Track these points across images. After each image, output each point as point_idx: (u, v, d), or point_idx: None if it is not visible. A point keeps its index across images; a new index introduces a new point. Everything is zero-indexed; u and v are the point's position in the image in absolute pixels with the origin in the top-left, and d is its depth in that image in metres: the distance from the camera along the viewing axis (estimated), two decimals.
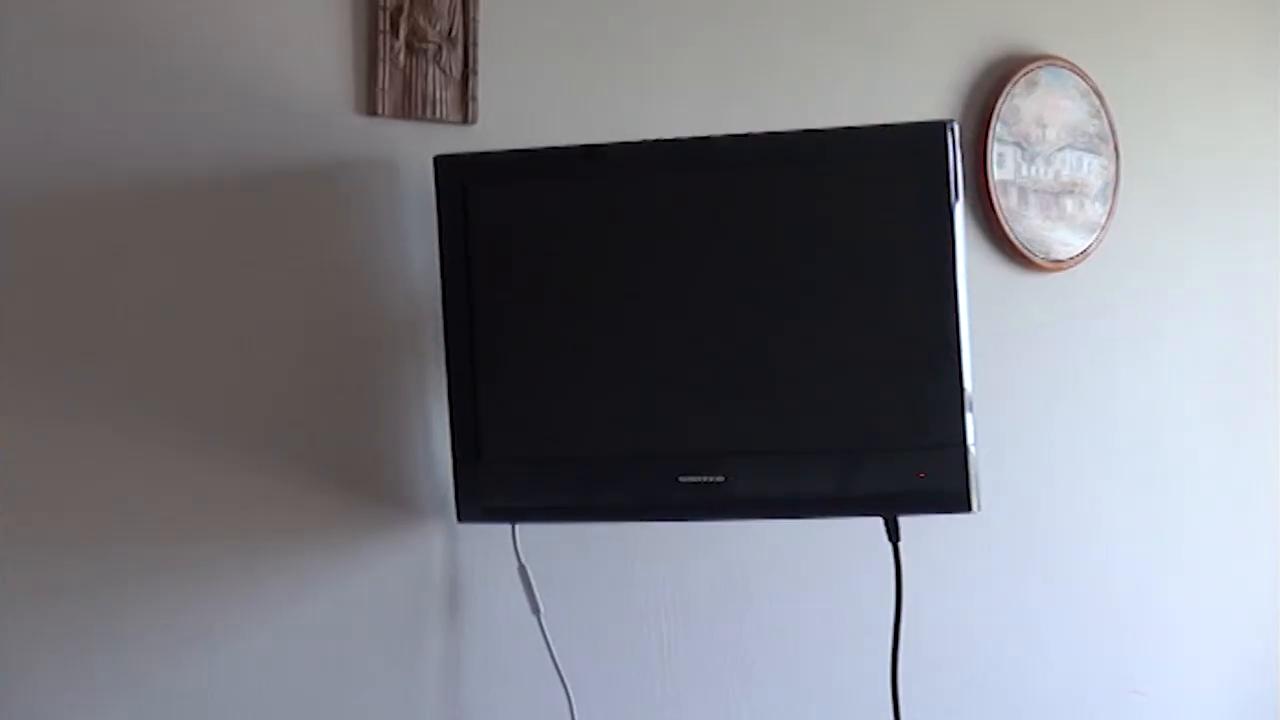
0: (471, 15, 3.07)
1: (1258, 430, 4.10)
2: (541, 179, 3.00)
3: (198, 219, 2.88)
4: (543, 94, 3.19)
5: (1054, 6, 3.75)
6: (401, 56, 3.01)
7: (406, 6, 3.01)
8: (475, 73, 3.06)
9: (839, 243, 2.87)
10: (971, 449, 2.74)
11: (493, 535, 3.07)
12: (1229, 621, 4.08)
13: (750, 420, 2.89)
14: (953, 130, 2.74)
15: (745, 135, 2.93)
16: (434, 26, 3.05)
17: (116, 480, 2.83)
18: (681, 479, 2.87)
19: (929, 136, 2.78)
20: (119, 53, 2.85)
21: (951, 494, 2.74)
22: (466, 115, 3.06)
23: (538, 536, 3.09)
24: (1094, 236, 3.68)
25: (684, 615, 3.36)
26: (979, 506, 2.74)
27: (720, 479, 2.86)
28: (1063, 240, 3.63)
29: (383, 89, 2.99)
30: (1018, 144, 3.59)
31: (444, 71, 3.07)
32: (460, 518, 2.98)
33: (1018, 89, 3.58)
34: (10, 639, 2.78)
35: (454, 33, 3.07)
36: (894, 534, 2.93)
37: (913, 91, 3.53)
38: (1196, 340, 3.99)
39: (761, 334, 2.89)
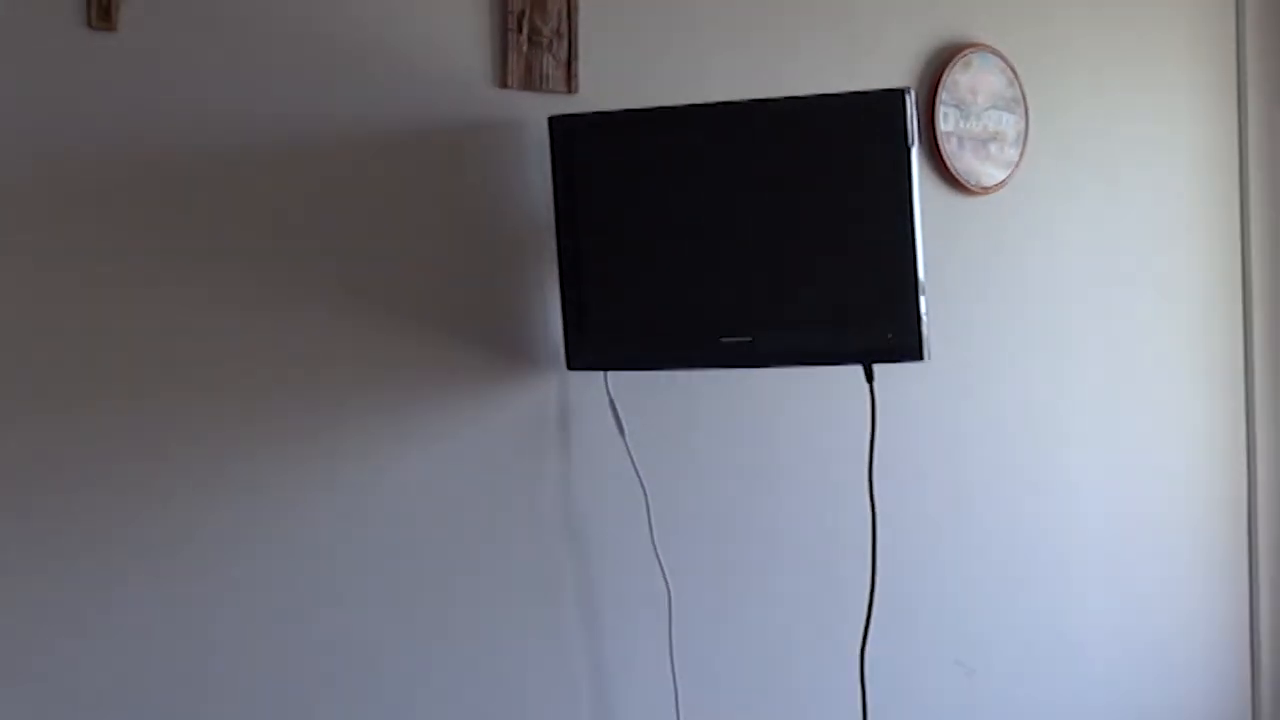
0: (573, 18, 3.24)
1: (1130, 300, 4.20)
2: (621, 132, 3.16)
3: (383, 162, 3.08)
4: (621, 72, 3.32)
5: (982, 7, 3.85)
6: (525, 46, 3.18)
7: (528, 11, 3.18)
8: (576, 57, 3.24)
9: (831, 176, 3.04)
10: (924, 317, 2.95)
11: (591, 380, 3.27)
12: (1109, 439, 4.17)
13: (770, 300, 3.08)
14: (909, 96, 2.93)
15: (760, 100, 3.09)
16: (546, 25, 3.21)
17: (335, 347, 3.04)
18: (723, 340, 3.08)
19: (893, 100, 2.94)
20: (330, 43, 3.02)
21: (910, 348, 2.96)
22: (570, 87, 3.23)
23: (623, 380, 3.30)
24: (1009, 171, 3.80)
25: (722, 434, 3.47)
26: (929, 357, 2.98)
27: (749, 339, 3.07)
28: (988, 173, 3.76)
29: (511, 69, 3.15)
30: (957, 106, 3.71)
31: (554, 57, 3.22)
32: (569, 367, 3.18)
33: (957, 68, 3.71)
34: (250, 444, 2.97)
35: (560, 30, 3.23)
36: (870, 376, 3.16)
37: (883, 69, 3.66)
38: (1083, 241, 4.09)
39: (777, 242, 3.06)
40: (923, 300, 2.94)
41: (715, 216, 3.11)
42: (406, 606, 3.10)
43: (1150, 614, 4.14)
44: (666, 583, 3.32)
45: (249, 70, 2.92)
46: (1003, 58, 3.77)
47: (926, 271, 2.96)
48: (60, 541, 2.80)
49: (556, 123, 3.09)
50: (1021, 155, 3.82)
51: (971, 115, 3.73)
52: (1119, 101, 4.04)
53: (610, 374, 3.25)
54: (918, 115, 3.55)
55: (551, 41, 3.24)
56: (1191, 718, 4.19)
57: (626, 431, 3.26)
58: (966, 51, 3.71)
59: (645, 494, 3.28)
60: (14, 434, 2.74)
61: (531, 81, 3.18)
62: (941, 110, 3.64)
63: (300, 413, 3.00)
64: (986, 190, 3.75)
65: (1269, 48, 4.30)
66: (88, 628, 2.81)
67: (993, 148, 3.76)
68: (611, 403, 3.25)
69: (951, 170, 3.66)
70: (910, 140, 2.92)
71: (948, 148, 3.66)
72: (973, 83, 3.73)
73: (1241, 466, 4.25)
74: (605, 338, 3.18)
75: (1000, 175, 3.77)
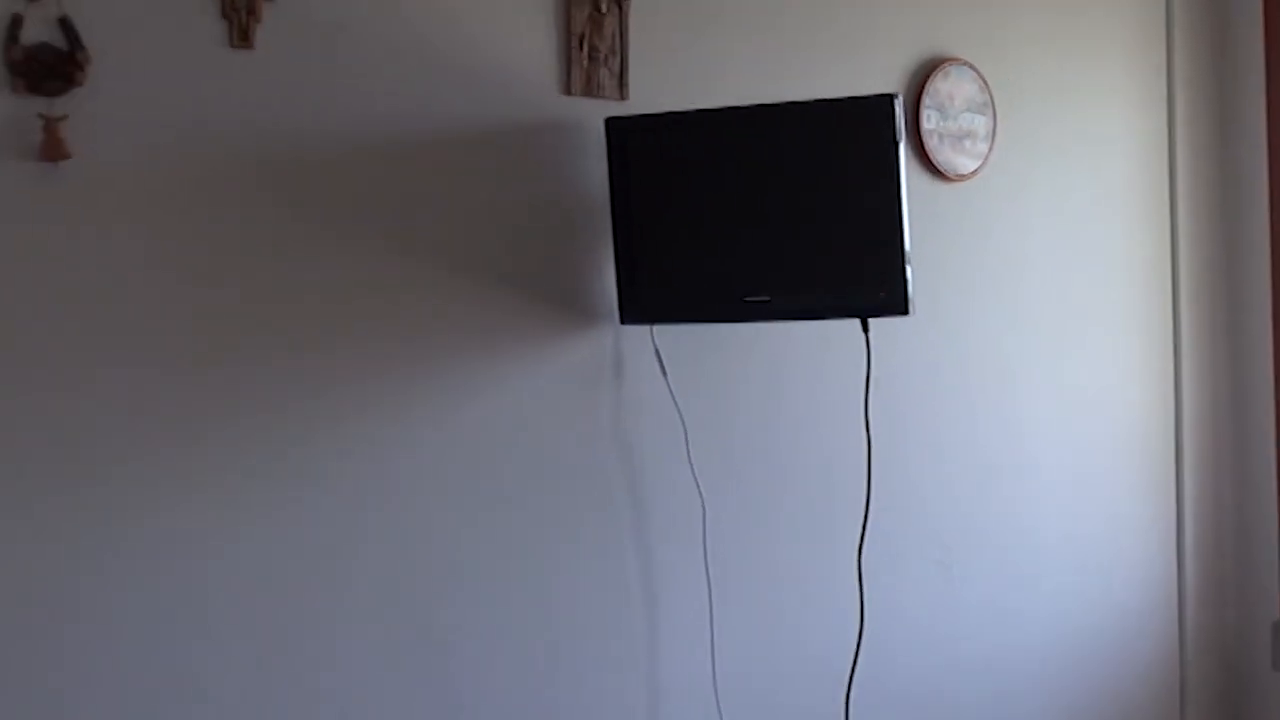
0: (624, 38, 3.26)
1: (1078, 265, 4.17)
2: (664, 130, 3.16)
3: (474, 155, 3.11)
4: (663, 81, 3.33)
5: (959, 28, 3.86)
6: (585, 62, 3.21)
7: (587, 33, 3.21)
8: (626, 70, 3.26)
9: (834, 165, 3.05)
10: (909, 280, 2.99)
11: (640, 332, 3.30)
12: (1058, 378, 4.14)
13: (784, 267, 3.10)
14: (898, 100, 2.96)
15: (776, 103, 3.13)
16: (603, 44, 3.24)
17: (441, 306, 3.07)
18: (746, 299, 3.12)
19: (884, 103, 2.98)
20: (432, 59, 3.05)
21: (898, 305, 3.00)
22: (622, 94, 3.26)
23: (665, 333, 3.32)
24: (980, 162, 3.83)
25: (747, 376, 3.49)
26: (913, 312, 3.02)
27: (767, 299, 3.10)
28: (963, 164, 3.80)
29: (574, 80, 3.19)
30: (937, 109, 3.75)
31: (609, 70, 3.25)
32: (622, 322, 3.24)
33: (938, 77, 3.75)
34: (386, 383, 3.02)
35: (614, 48, 3.26)
36: (866, 328, 3.21)
37: (877, 79, 3.67)
38: (1040, 217, 4.08)
39: (790, 218, 3.08)
40: (909, 267, 2.98)
41: (739, 198, 3.14)
42: (493, 509, 3.15)
43: (1093, 517, 4.17)
44: (701, 496, 3.35)
45: (366, 81, 2.97)
46: (975, 69, 3.83)
47: (912, 243, 3.00)
48: (264, 455, 2.90)
49: (611, 123, 3.14)
50: (990, 149, 3.86)
51: (949, 116, 3.77)
52: (1069, 104, 4.08)
53: (655, 327, 3.30)
54: (906, 116, 3.65)
55: (607, 57, 3.28)
56: (1128, 595, 4.23)
57: (668, 374, 3.31)
58: (946, 64, 3.76)
59: (684, 425, 3.32)
60: (227, 376, 2.84)
61: (591, 90, 3.23)
62: (925, 112, 3.70)
63: (421, 358, 3.07)
64: (962, 178, 3.80)
65: (1193, 59, 4.35)
66: (294, 505, 2.92)
67: (967, 143, 3.81)
68: (656, 351, 3.30)
69: (933, 161, 3.73)
70: (899, 136, 2.96)
71: (930, 143, 3.72)
72: (950, 90, 3.79)
73: (1170, 399, 4.30)
74: (651, 298, 3.22)
75: (973, 165, 3.82)
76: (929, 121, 3.72)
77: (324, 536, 2.95)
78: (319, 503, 2.94)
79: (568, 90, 3.19)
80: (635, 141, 3.16)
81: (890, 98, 2.95)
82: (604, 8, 3.26)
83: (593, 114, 3.19)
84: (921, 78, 3.73)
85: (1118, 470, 4.21)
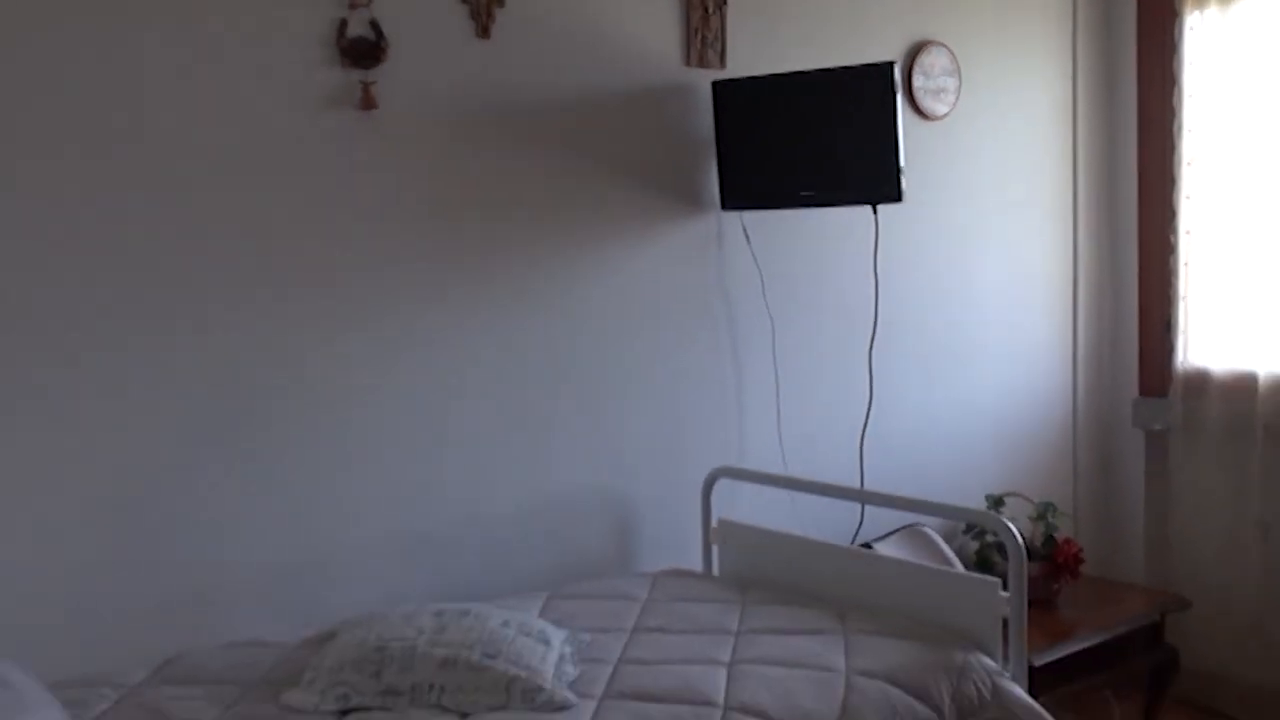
0: (724, 28, 3.21)
1: (1013, 179, 3.95)
2: (748, 87, 3.12)
3: (629, 108, 3.10)
4: (746, 56, 3.26)
5: (939, 21, 3.70)
6: (699, 45, 3.19)
7: (700, 26, 3.17)
8: (725, 49, 3.23)
9: (855, 108, 3.01)
10: (903, 181, 2.98)
11: (734, 215, 3.28)
12: (1001, 253, 3.93)
13: (824, 173, 3.07)
14: (895, 66, 2.96)
15: (818, 69, 3.06)
16: (710, 33, 3.20)
17: (603, 201, 3.06)
18: (800, 193, 3.16)
19: (887, 68, 2.96)
20: (603, 43, 3.01)
21: (895, 195, 2.99)
22: (722, 64, 3.23)
23: (750, 216, 3.30)
24: (950, 108, 3.73)
25: (801, 243, 3.43)
26: (905, 199, 3.01)
27: (814, 193, 3.13)
28: (939, 109, 3.71)
29: (693, 55, 3.17)
30: (924, 73, 3.65)
31: (714, 50, 3.23)
32: (722, 209, 3.25)
33: (923, 52, 3.66)
34: (565, 248, 3.01)
35: (717, 34, 3.21)
36: (875, 212, 3.26)
37: (886, 52, 3.49)
38: (987, 147, 3.86)
39: (827, 142, 3.06)
40: (903, 173, 3.02)
41: (795, 129, 3.14)
42: (634, 335, 3.18)
43: (1022, 331, 4.06)
44: (771, 319, 3.43)
45: (561, 59, 3.00)
46: (948, 48, 3.80)
47: (905, 158, 3.03)
48: (505, 289, 2.95)
49: (716, 84, 3.20)
50: (957, 100, 3.82)
51: (931, 78, 3.75)
52: (1008, 71, 3.99)
53: (742, 213, 3.32)
54: (902, 77, 3.62)
55: (713, 41, 3.26)
56: (1042, 380, 4.11)
57: (751, 242, 3.36)
58: (930, 45, 3.75)
59: (760, 275, 3.39)
60: (480, 242, 2.91)
61: (702, 63, 3.25)
62: (915, 75, 3.71)
63: (598, 234, 3.11)
64: (938, 118, 3.80)
65: (1090, 40, 4.24)
66: (519, 320, 2.97)
67: (941, 96, 3.79)
68: (743, 228, 3.35)
69: (920, 107, 3.74)
70: (896, 90, 3.00)
71: (918, 95, 3.73)
72: (932, 61, 3.76)
73: (1070, 253, 4.18)
74: (740, 194, 3.25)
75: (945, 110, 3.80)
76: (918, 81, 3.72)
77: (538, 338, 3.03)
78: (534, 318, 3.03)
79: (688, 63, 3.23)
80: (730, 95, 3.19)
81: (890, 64, 3.00)
82: (710, 9, 3.24)
83: (703, 79, 3.23)
84: (914, 52, 3.71)
85: (1037, 301, 4.12)
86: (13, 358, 2.33)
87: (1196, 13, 3.90)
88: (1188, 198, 3.96)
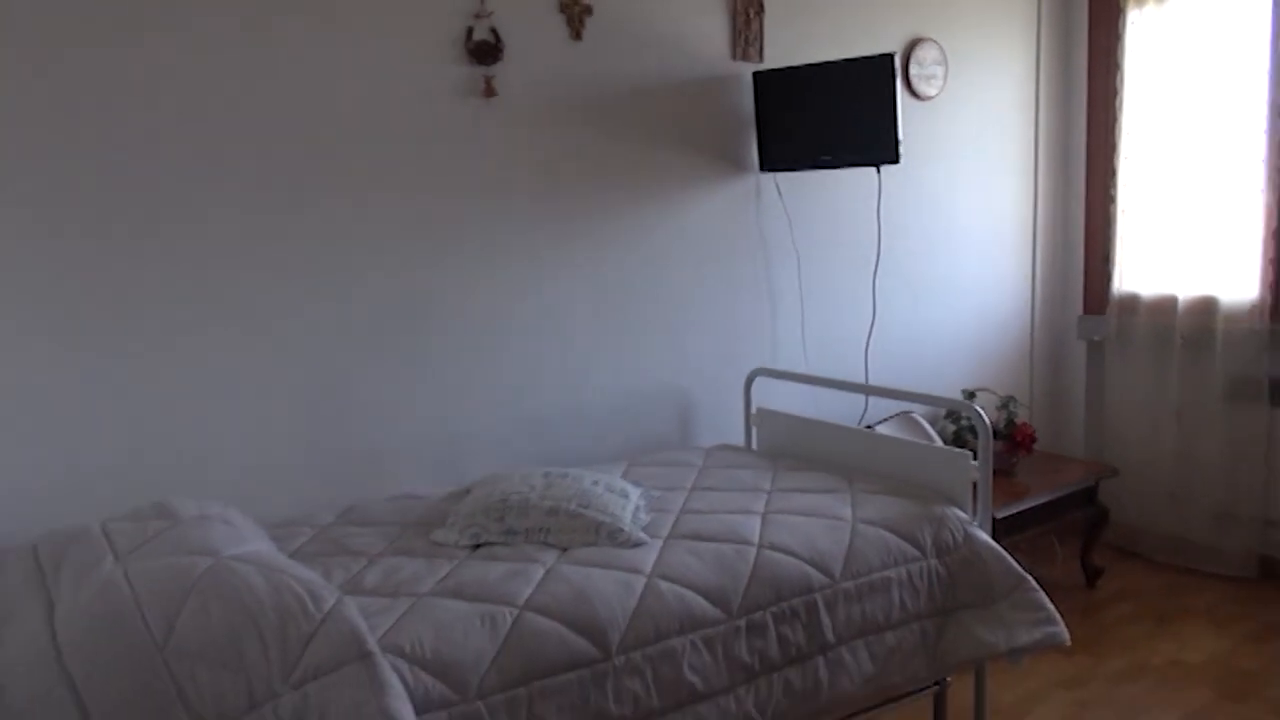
0: (762, 30, 3.12)
1: (989, 142, 3.73)
2: (782, 76, 3.01)
3: (686, 93, 2.99)
4: (779, 51, 3.16)
5: (931, 22, 3.55)
6: (742, 42, 3.09)
7: (742, 29, 3.08)
8: (763, 45, 3.13)
9: (863, 89, 2.89)
10: (900, 146, 2.87)
11: (768, 176, 3.20)
12: (981, 200, 3.78)
13: (839, 140, 2.95)
14: (894, 57, 2.84)
15: (834, 60, 2.92)
16: (751, 32, 3.10)
17: (663, 165, 2.97)
18: (820, 157, 3.01)
19: (888, 59, 2.84)
20: (667, 41, 2.94)
21: (894, 158, 2.87)
22: (761, 59, 3.13)
23: (782, 176, 3.23)
24: (939, 91, 3.58)
25: (821, 195, 3.33)
26: (901, 161, 2.91)
27: (830, 157, 2.99)
28: (930, 92, 3.57)
29: (737, 51, 3.07)
30: (918, 62, 3.50)
31: (754, 46, 3.12)
32: (761, 170, 3.16)
33: (917, 47, 3.51)
34: (637, 197, 2.94)
35: (756, 33, 3.10)
36: (879, 171, 3.26)
37: (888, 45, 3.40)
38: (967, 119, 3.68)
39: (841, 117, 2.93)
40: (900, 140, 2.92)
41: (817, 109, 3.01)
42: (692, 267, 3.11)
43: (993, 259, 3.91)
44: (797, 253, 3.34)
45: (635, 55, 2.92)
46: (938, 43, 3.65)
47: (903, 130, 3.11)
48: (600, 236, 2.88)
49: (756, 74, 3.11)
50: (944, 84, 3.67)
51: (924, 66, 3.61)
52: (984, 61, 3.81)
53: (777, 173, 3.23)
54: (901, 65, 3.51)
55: (753, 39, 3.15)
56: (1008, 300, 3.96)
57: (783, 195, 3.28)
58: (923, 40, 3.60)
59: (789, 220, 3.31)
60: (576, 200, 2.85)
61: (746, 57, 3.15)
62: (912, 64, 3.57)
63: (663, 190, 3.03)
64: (929, 99, 3.65)
65: (1051, 33, 4.13)
66: (609, 257, 2.92)
67: (932, 80, 3.65)
68: (776, 185, 3.26)
69: (915, 90, 3.60)
70: (895, 75, 2.88)
71: (914, 80, 3.59)
72: (924, 53, 3.61)
73: (1031, 196, 3.99)
74: (774, 158, 3.14)
75: (934, 92, 3.66)
76: (913, 69, 3.58)
77: (620, 271, 2.99)
78: (617, 255, 2.97)
79: (734, 58, 3.13)
80: (767, 82, 3.10)
81: (891, 56, 2.89)
82: (751, 15, 3.13)
83: (746, 70, 3.15)
84: (910, 46, 3.58)
85: (1004, 240, 3.97)
86: (236, 289, 2.37)
87: (1136, 10, 3.78)
88: (1125, 159, 3.84)
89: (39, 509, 2.13)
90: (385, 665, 1.45)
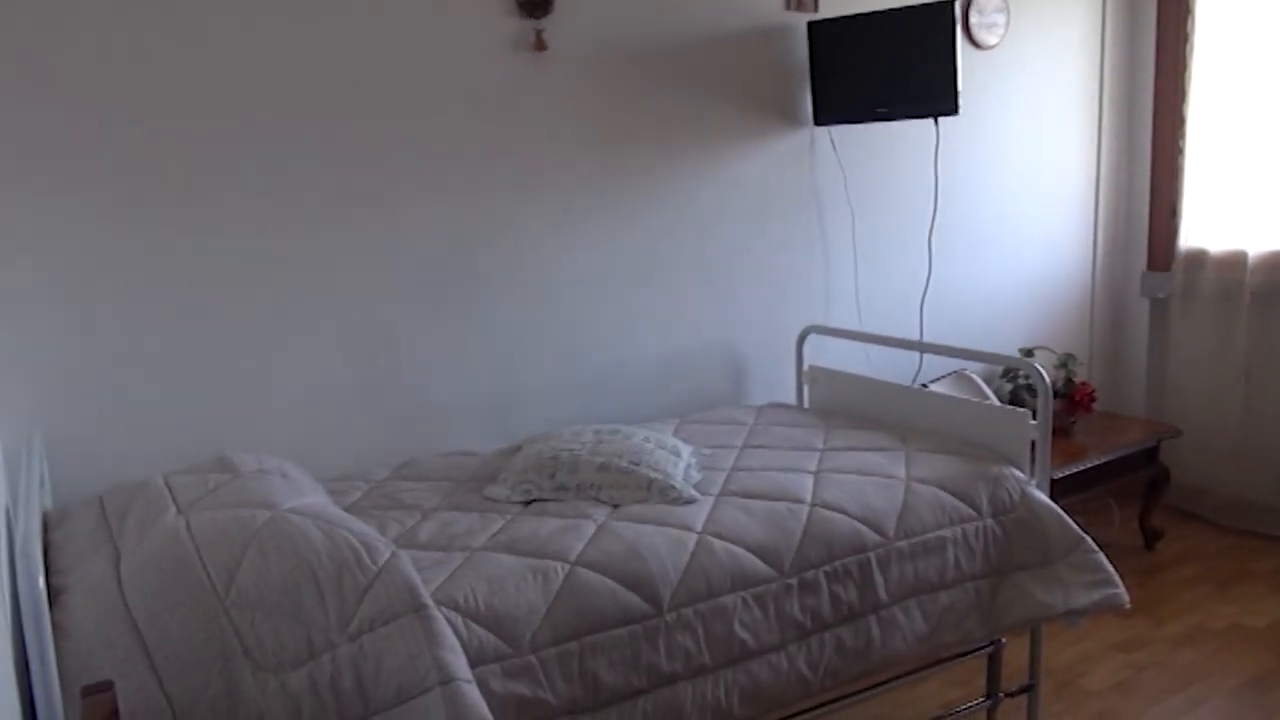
0: None
1: (1050, 94, 3.71)
2: (836, 26, 2.99)
3: (743, 44, 2.98)
4: (836, 0, 3.13)
5: None
6: None
7: None
8: None
9: (923, 38, 2.85)
10: (959, 97, 2.88)
11: (823, 130, 3.17)
12: (1037, 158, 3.72)
13: (896, 91, 2.91)
14: (953, 5, 2.76)
15: (891, 8, 2.88)
16: None
17: (717, 120, 2.95)
18: (876, 109, 2.98)
19: (948, 6, 2.77)
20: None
21: (952, 109, 2.83)
22: (815, 9, 3.11)
23: (836, 129, 3.21)
24: (1000, 39, 3.52)
25: (878, 147, 3.28)
26: (959, 112, 3.00)
27: (887, 109, 2.96)
28: (991, 41, 3.51)
29: (792, 3, 3.05)
30: (979, 11, 3.43)
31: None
32: (815, 124, 3.12)
33: None
34: (686, 152, 2.93)
35: None
36: (937, 123, 3.23)
37: None
38: (1031, 67, 3.62)
39: (900, 66, 2.89)
40: (959, 90, 2.92)
41: (872, 59, 2.98)
42: (746, 222, 3.10)
43: (1054, 218, 3.85)
44: (851, 207, 3.32)
45: (689, 11, 2.88)
46: None
47: (961, 80, 3.13)
48: (641, 192, 2.89)
49: (811, 24, 3.09)
50: (1005, 33, 3.60)
51: (985, 14, 3.54)
52: (1049, 4, 3.71)
53: (831, 127, 3.21)
54: (961, 14, 3.44)
55: None
56: (1070, 255, 3.92)
57: (837, 149, 3.26)
58: None
59: (844, 175, 3.28)
60: (622, 154, 2.84)
61: (800, 6, 3.12)
62: (972, 11, 3.50)
63: (718, 144, 3.02)
64: (990, 48, 3.58)
65: None
66: (662, 213, 2.91)
67: (993, 29, 3.58)
68: (831, 138, 3.24)
69: (975, 39, 3.53)
70: (955, 24, 2.82)
71: (974, 28, 3.52)
72: (985, 2, 3.54)
73: (1094, 153, 3.91)
74: (829, 111, 3.12)
75: (995, 41, 3.59)
76: (974, 17, 3.51)
77: (672, 225, 2.97)
78: (669, 209, 2.96)
79: (788, 8, 3.10)
80: (822, 32, 3.07)
81: (950, 3, 2.83)
82: None
83: (800, 20, 3.12)
84: None
85: (1066, 194, 3.89)
86: (297, 242, 2.40)
87: None
88: (1195, 107, 3.73)
89: (104, 463, 2.18)
90: (439, 618, 1.48)
